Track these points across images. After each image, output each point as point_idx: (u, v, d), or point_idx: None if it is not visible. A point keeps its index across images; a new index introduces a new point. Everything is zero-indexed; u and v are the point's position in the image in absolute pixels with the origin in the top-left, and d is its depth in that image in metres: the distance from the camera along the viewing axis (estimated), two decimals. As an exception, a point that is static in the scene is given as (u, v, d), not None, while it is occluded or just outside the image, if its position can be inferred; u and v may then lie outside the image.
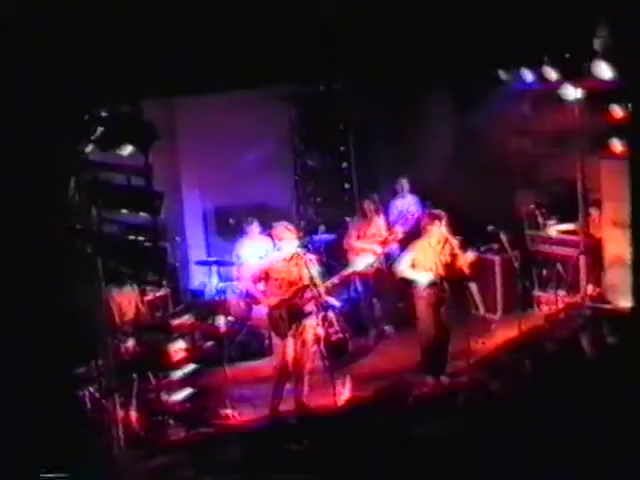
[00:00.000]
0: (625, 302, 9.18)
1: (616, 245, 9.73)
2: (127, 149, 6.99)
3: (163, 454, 7.55)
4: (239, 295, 10.27)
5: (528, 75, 9.47)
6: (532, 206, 10.76)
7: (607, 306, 9.89)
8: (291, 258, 8.45)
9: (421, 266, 8.87)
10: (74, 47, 6.61)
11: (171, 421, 8.27)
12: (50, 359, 6.78)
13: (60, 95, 6.64)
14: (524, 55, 9.35)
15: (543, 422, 6.55)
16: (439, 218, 8.89)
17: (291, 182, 12.48)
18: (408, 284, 9.07)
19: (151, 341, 8.45)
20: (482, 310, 10.70)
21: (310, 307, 8.45)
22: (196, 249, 11.57)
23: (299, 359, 8.44)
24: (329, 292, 8.73)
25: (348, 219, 11.40)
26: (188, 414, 8.43)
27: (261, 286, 8.56)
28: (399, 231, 10.47)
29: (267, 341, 9.85)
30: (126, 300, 8.66)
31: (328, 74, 10.50)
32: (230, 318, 9.93)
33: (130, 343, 8.38)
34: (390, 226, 10.71)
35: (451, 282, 8.96)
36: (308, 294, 8.36)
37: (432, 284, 8.81)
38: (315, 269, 8.48)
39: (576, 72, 9.05)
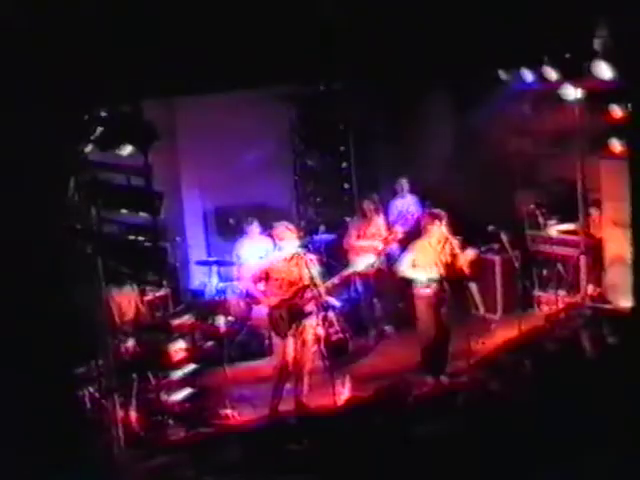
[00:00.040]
0: (625, 302, 9.18)
1: (616, 245, 9.73)
2: (127, 149, 6.99)
3: (163, 454, 7.55)
4: (239, 295, 10.27)
5: (528, 75, 9.47)
6: (532, 206, 10.76)
7: (607, 306, 9.89)
8: (291, 258, 8.45)
9: (421, 266, 8.87)
10: (74, 47, 6.61)
11: (171, 421, 8.27)
12: (50, 359, 6.78)
13: (60, 95, 6.63)
14: (524, 55, 9.34)
15: (543, 422, 6.55)
16: (439, 218, 8.90)
17: (291, 182, 12.49)
18: (408, 284, 9.07)
19: (151, 341, 8.45)
20: (482, 310, 10.70)
21: (310, 307, 8.45)
22: (196, 249, 11.57)
23: (299, 359, 8.44)
24: (329, 292, 8.73)
25: (348, 219, 11.41)
26: (188, 414, 8.43)
27: (261, 286, 8.56)
28: (399, 231, 10.48)
29: (267, 341, 9.86)
30: (126, 300, 8.66)
31: (328, 74, 10.50)
32: (230, 318, 9.93)
33: (130, 343, 8.38)
34: (390, 226, 10.72)
35: (451, 282, 8.96)
36: (308, 294, 8.37)
37: (431, 283, 8.81)
38: (315, 269, 8.48)
39: (576, 72, 9.05)
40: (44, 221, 6.75)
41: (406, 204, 11.35)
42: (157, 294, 9.86)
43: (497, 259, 10.72)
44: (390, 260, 10.63)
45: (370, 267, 9.83)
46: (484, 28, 8.63)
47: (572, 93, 9.52)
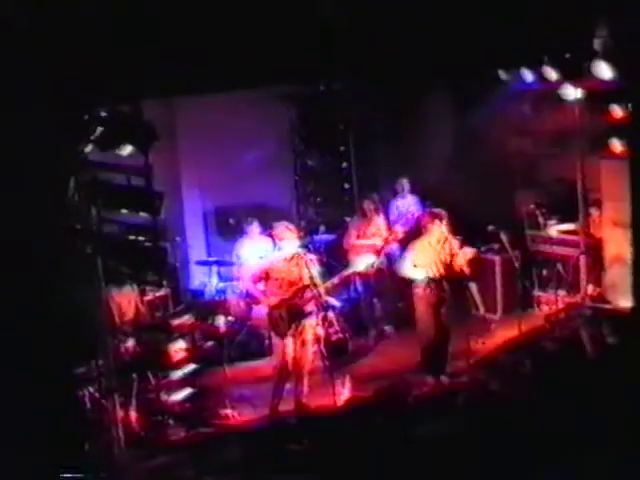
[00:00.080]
0: (625, 302, 9.19)
1: (616, 245, 9.73)
2: (127, 149, 6.99)
3: (163, 454, 7.55)
4: (239, 295, 10.27)
5: (528, 75, 9.47)
6: (532, 206, 10.76)
7: (607, 306, 9.89)
8: (291, 258, 8.45)
9: (421, 265, 8.87)
10: (74, 47, 6.61)
11: (171, 421, 8.27)
12: (50, 359, 6.78)
13: (60, 95, 6.63)
14: (524, 55, 9.34)
15: (543, 422, 6.55)
16: (439, 217, 8.90)
17: (291, 182, 12.48)
18: (408, 284, 9.07)
19: (151, 341, 8.44)
20: (482, 310, 10.70)
21: (310, 307, 8.44)
22: (196, 249, 11.57)
23: (299, 359, 8.44)
24: (329, 292, 8.73)
25: (348, 219, 11.41)
26: (188, 414, 8.42)
27: (261, 286, 8.56)
28: (399, 231, 10.48)
29: (267, 341, 9.85)
30: (126, 300, 8.66)
31: (328, 74, 10.50)
32: (230, 318, 9.93)
33: (130, 343, 8.38)
34: (390, 226, 10.72)
35: (451, 282, 8.96)
36: (308, 294, 8.36)
37: (431, 282, 8.81)
38: (315, 269, 8.48)
39: (576, 72, 9.05)
40: (44, 221, 6.75)
41: (406, 204, 11.34)
42: (157, 294, 9.86)
43: (497, 259, 10.72)
44: (390, 260, 10.64)
45: (370, 267, 9.82)
46: (484, 28, 8.63)
47: (572, 93, 9.52)
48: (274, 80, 9.41)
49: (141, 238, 7.19)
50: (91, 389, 7.83)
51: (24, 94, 6.48)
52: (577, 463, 6.08)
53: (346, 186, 12.40)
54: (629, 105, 8.54)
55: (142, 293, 9.05)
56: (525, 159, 10.90)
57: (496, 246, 10.54)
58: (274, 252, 8.97)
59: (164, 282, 9.61)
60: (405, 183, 11.36)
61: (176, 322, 9.11)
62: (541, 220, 10.73)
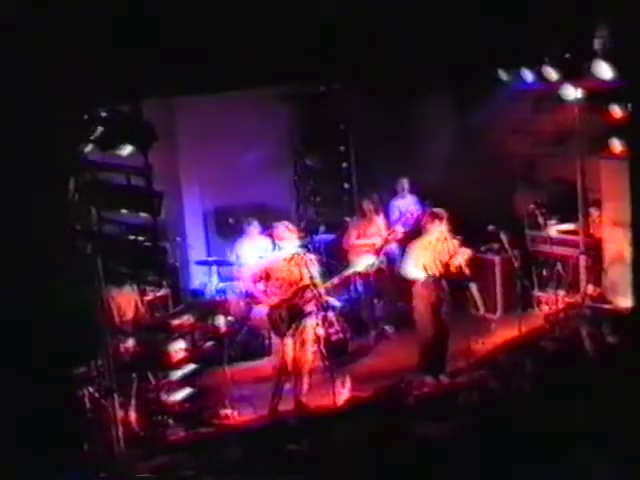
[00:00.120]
0: (625, 302, 9.19)
1: (616, 245, 9.73)
2: (127, 149, 6.99)
3: (163, 454, 7.54)
4: (239, 295, 10.26)
5: (528, 75, 9.47)
6: (532, 206, 10.75)
7: (607, 306, 9.88)
8: (291, 258, 8.45)
9: (420, 265, 8.87)
10: (74, 47, 6.61)
11: (171, 421, 8.26)
12: (50, 359, 6.78)
13: (60, 95, 6.63)
14: (524, 55, 9.35)
15: (543, 422, 6.56)
16: (439, 217, 8.89)
17: (291, 182, 12.48)
18: (408, 284, 9.07)
19: (151, 341, 8.44)
20: (482, 310, 10.70)
21: (310, 307, 8.44)
22: (196, 249, 11.55)
23: (299, 359, 8.44)
24: (329, 292, 8.72)
25: (348, 219, 11.41)
26: (188, 414, 8.42)
27: (261, 286, 8.56)
28: (399, 231, 10.49)
29: (267, 341, 9.85)
30: (126, 300, 8.65)
31: (328, 74, 10.50)
32: (230, 318, 9.93)
33: (130, 343, 8.37)
34: (390, 226, 10.72)
35: (451, 282, 8.96)
36: (308, 294, 8.36)
37: (431, 282, 8.81)
38: (315, 269, 8.48)
39: (576, 72, 9.05)
40: (44, 221, 6.75)
41: (406, 204, 11.34)
42: (157, 294, 9.86)
43: (497, 259, 10.72)
44: (390, 260, 10.64)
45: (370, 267, 9.83)
46: (484, 28, 8.64)
47: (572, 93, 9.52)
48: (274, 80, 9.41)
49: (141, 238, 7.19)
50: (91, 389, 7.82)
51: (24, 94, 6.48)
52: (577, 463, 6.09)
53: (346, 186, 12.40)
54: (629, 105, 8.54)
55: (142, 293, 9.04)
56: (525, 159, 10.91)
57: (496, 246, 10.55)
58: (274, 252, 8.97)
59: (164, 282, 9.60)
60: (405, 183, 11.36)
61: (176, 322, 9.09)
62: (541, 220, 10.72)
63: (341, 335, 9.72)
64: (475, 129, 10.81)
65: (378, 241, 10.42)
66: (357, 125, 12.08)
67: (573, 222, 10.61)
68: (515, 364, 8.27)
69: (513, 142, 10.62)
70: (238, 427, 8.30)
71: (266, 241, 10.10)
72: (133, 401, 8.05)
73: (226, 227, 11.54)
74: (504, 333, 9.96)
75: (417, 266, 8.88)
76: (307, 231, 11.30)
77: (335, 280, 8.70)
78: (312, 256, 8.73)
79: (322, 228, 11.98)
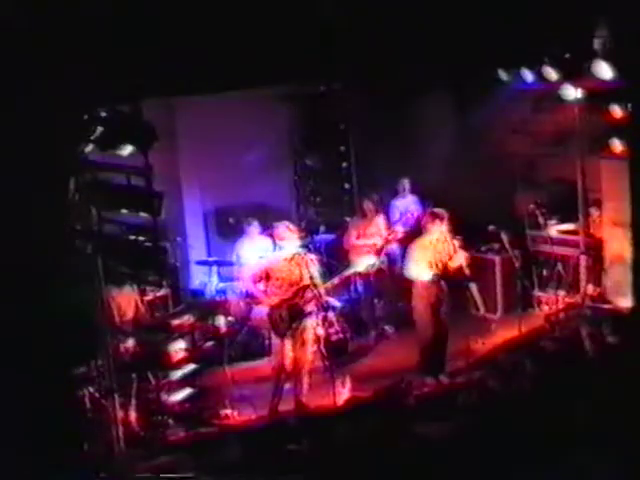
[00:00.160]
0: (625, 302, 9.19)
1: (616, 245, 9.73)
2: (127, 149, 6.99)
3: (163, 454, 7.54)
4: (239, 295, 10.26)
5: (528, 75, 9.47)
6: (532, 206, 10.75)
7: (607, 306, 9.88)
8: (292, 258, 8.45)
9: (420, 265, 8.87)
10: (74, 47, 6.61)
11: (171, 421, 8.26)
12: (50, 359, 6.78)
13: (60, 95, 6.63)
14: (524, 55, 9.35)
15: (543, 422, 6.56)
16: (440, 217, 8.89)
17: (291, 182, 12.48)
18: (408, 284, 9.07)
19: (151, 341, 8.44)
20: (482, 310, 10.69)
21: (310, 307, 8.44)
22: (196, 249, 11.56)
23: (299, 359, 8.44)
24: (329, 292, 8.72)
25: (348, 219, 11.42)
26: (188, 414, 8.42)
27: (261, 286, 8.56)
28: (399, 230, 10.49)
29: (267, 341, 9.84)
30: (126, 300, 8.65)
31: (328, 74, 10.50)
32: (230, 318, 9.93)
33: (130, 343, 8.37)
34: (390, 225, 10.72)
35: (451, 282, 8.96)
36: (309, 294, 8.36)
37: (431, 283, 8.81)
38: (316, 269, 8.48)
39: (576, 72, 9.05)
40: (44, 221, 6.75)
41: (406, 204, 11.34)
42: (157, 294, 9.86)
43: (497, 259, 10.72)
44: (390, 260, 10.65)
45: (370, 267, 9.83)
46: (484, 28, 8.63)
47: (572, 93, 9.52)
48: (274, 80, 9.41)
49: (141, 238, 7.18)
50: (91, 389, 7.82)
51: (24, 94, 6.48)
52: (577, 463, 6.08)
53: (346, 186, 12.41)
54: (629, 105, 8.54)
55: (142, 293, 9.05)
56: (525, 159, 10.91)
57: (496, 246, 10.55)
58: (274, 252, 8.97)
59: (164, 282, 9.61)
60: (406, 183, 11.36)
61: (176, 322, 9.10)
62: (541, 220, 10.72)
63: (341, 335, 9.72)
64: (475, 129, 10.81)
65: (379, 242, 10.42)
66: (357, 125, 12.08)
67: (573, 222, 10.61)
68: (515, 364, 8.27)
69: (513, 142, 10.61)
70: (238, 427, 8.30)
71: (266, 241, 10.10)
72: (133, 401, 8.06)
73: (226, 227, 11.54)
74: (504, 333, 9.96)
75: (418, 266, 8.88)
76: (307, 231, 11.31)
77: (335, 280, 8.70)
78: (312, 256, 8.73)
79: (322, 228, 11.98)
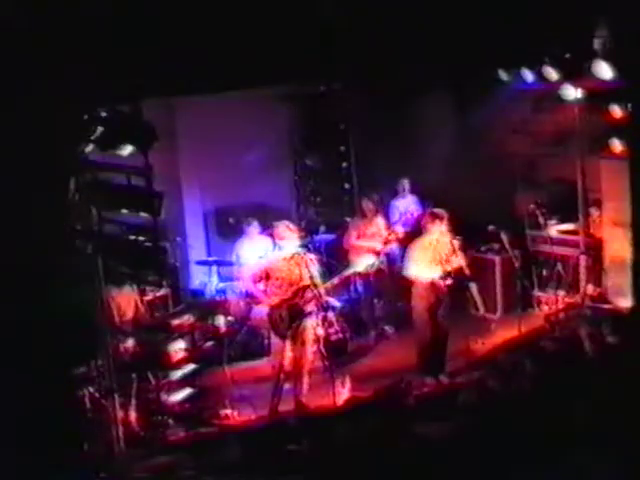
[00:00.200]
0: (625, 302, 9.19)
1: (616, 245, 9.73)
2: (127, 149, 6.99)
3: (163, 454, 7.54)
4: (239, 295, 10.26)
5: (528, 75, 9.47)
6: (532, 206, 10.75)
7: (607, 306, 9.89)
8: (291, 258, 8.45)
9: (420, 265, 8.87)
10: (74, 47, 6.61)
11: (171, 421, 8.26)
12: (50, 359, 6.78)
13: (60, 95, 6.63)
14: (524, 55, 9.35)
15: (543, 422, 6.56)
16: (440, 217, 8.89)
17: (291, 182, 12.48)
18: (408, 284, 9.07)
19: (151, 341, 8.44)
20: (482, 310, 10.69)
21: (310, 307, 8.44)
22: (196, 249, 11.56)
23: (298, 359, 8.44)
24: (329, 292, 8.72)
25: (348, 219, 11.42)
26: (188, 414, 8.42)
27: (261, 286, 8.56)
28: (399, 231, 10.49)
29: (267, 341, 9.84)
30: (126, 300, 8.64)
31: (328, 74, 10.50)
32: (230, 318, 9.93)
33: (130, 343, 8.37)
34: (390, 226, 10.72)
35: (450, 282, 8.96)
36: (308, 294, 8.36)
37: (432, 282, 8.81)
38: (315, 269, 8.48)
39: (576, 72, 9.05)
40: (44, 221, 6.75)
41: (407, 204, 11.35)
42: (157, 294, 9.86)
43: (497, 259, 10.72)
44: (390, 260, 10.64)
45: (370, 267, 9.83)
46: (484, 28, 8.63)
47: (572, 93, 9.52)
48: (274, 80, 9.41)
49: (141, 238, 7.19)
50: (91, 389, 7.82)
51: (24, 94, 6.48)
52: (577, 463, 6.08)
53: (346, 186, 12.41)
54: (629, 105, 8.54)
55: (142, 293, 9.04)
56: (525, 159, 10.91)
57: (496, 246, 10.55)
58: (274, 252, 8.97)
59: (164, 282, 9.61)
60: (406, 183, 11.36)
61: (176, 322, 9.10)
62: (541, 220, 10.72)
63: (341, 335, 9.72)
64: (475, 129, 10.81)
65: (379, 246, 10.41)
66: (357, 125, 12.08)
67: (573, 222, 10.61)
68: (515, 364, 8.26)
69: (513, 142, 10.61)
70: (238, 427, 8.30)
71: (266, 241, 10.10)
72: (133, 401, 8.05)
73: (226, 227, 11.54)
74: (504, 333, 9.95)
75: (418, 266, 8.88)
76: (307, 231, 11.31)
77: (335, 280, 8.70)
78: (312, 256, 8.73)
79: (322, 228, 11.98)
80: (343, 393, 8.59)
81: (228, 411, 8.50)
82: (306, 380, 8.52)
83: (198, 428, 8.23)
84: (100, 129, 6.97)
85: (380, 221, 10.68)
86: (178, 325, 9.04)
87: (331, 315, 9.44)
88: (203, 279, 11.08)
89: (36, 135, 6.55)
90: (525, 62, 9.41)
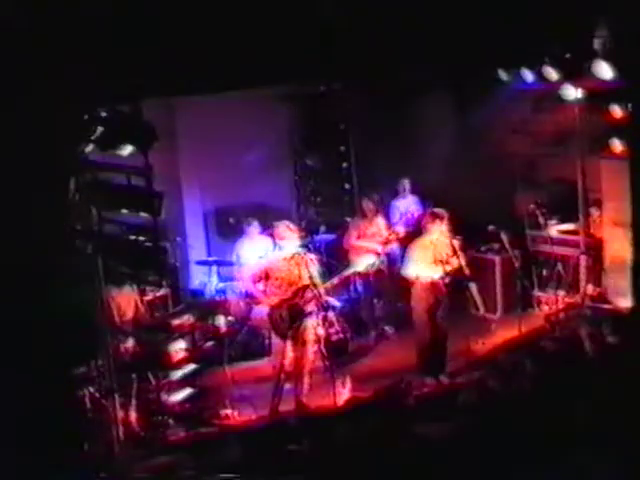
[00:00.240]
0: (625, 302, 9.19)
1: (616, 245, 9.73)
2: (127, 149, 6.99)
3: (163, 454, 7.54)
4: (239, 295, 10.27)
5: (528, 75, 9.47)
6: (532, 206, 10.76)
7: (607, 306, 9.89)
8: (291, 258, 8.45)
9: (420, 265, 8.87)
10: (74, 47, 6.61)
11: (171, 421, 8.27)
12: (50, 359, 6.78)
13: (60, 95, 6.63)
14: (524, 55, 9.35)
15: (543, 422, 6.55)
16: (440, 217, 8.89)
17: (291, 182, 12.48)
18: (408, 284, 9.07)
19: (151, 341, 8.44)
20: (482, 310, 10.69)
21: (310, 307, 8.44)
22: (196, 249, 11.56)
23: (299, 359, 8.44)
24: (329, 292, 8.72)
25: (348, 219, 11.42)
26: (188, 414, 8.42)
27: (261, 286, 8.56)
28: (399, 231, 10.49)
29: (267, 341, 9.84)
30: (126, 300, 8.65)
31: (328, 74, 10.49)
32: (230, 318, 9.94)
33: (130, 343, 8.37)
34: (390, 226, 10.72)
35: (450, 282, 8.96)
36: (309, 294, 8.36)
37: (432, 282, 8.81)
38: (315, 269, 8.48)
39: (576, 72, 9.05)
40: (44, 221, 6.75)
41: (407, 204, 11.35)
42: (157, 294, 9.86)
43: (497, 259, 10.73)
44: (390, 260, 10.64)
45: (370, 267, 9.83)
46: (484, 28, 8.63)
47: (572, 93, 9.52)
48: (274, 80, 9.40)
49: (141, 238, 7.19)
50: (91, 389, 7.82)
51: (24, 94, 6.48)
52: (577, 463, 6.08)
53: (346, 186, 12.41)
54: (629, 105, 8.54)
55: (142, 293, 9.05)
56: (525, 159, 10.91)
57: (496, 246, 10.56)
58: (274, 252, 8.97)
59: (164, 282, 9.61)
60: (406, 183, 11.36)
61: (176, 322, 9.10)
62: (541, 220, 10.73)
63: (341, 335, 9.72)
64: (475, 129, 10.81)
65: (379, 249, 10.40)
66: (357, 125, 12.09)
67: (573, 222, 10.61)
68: (515, 364, 8.26)
69: (513, 142, 10.61)
70: (238, 427, 8.30)
71: (266, 241, 10.10)
72: (133, 401, 8.06)
73: (226, 227, 11.55)
74: (504, 333, 9.96)
75: (418, 266, 8.88)
76: (307, 231, 11.31)
77: (335, 280, 8.70)
78: (312, 256, 8.73)
79: (322, 228, 11.98)
80: (343, 393, 8.59)
81: (228, 411, 8.50)
82: (307, 380, 8.52)
83: (198, 428, 8.24)
84: (100, 129, 6.97)
85: (380, 221, 10.68)
86: (178, 325, 9.04)
87: (331, 315, 9.44)
88: (203, 279, 11.08)
89: (36, 135, 6.55)
90: (525, 62, 9.41)
